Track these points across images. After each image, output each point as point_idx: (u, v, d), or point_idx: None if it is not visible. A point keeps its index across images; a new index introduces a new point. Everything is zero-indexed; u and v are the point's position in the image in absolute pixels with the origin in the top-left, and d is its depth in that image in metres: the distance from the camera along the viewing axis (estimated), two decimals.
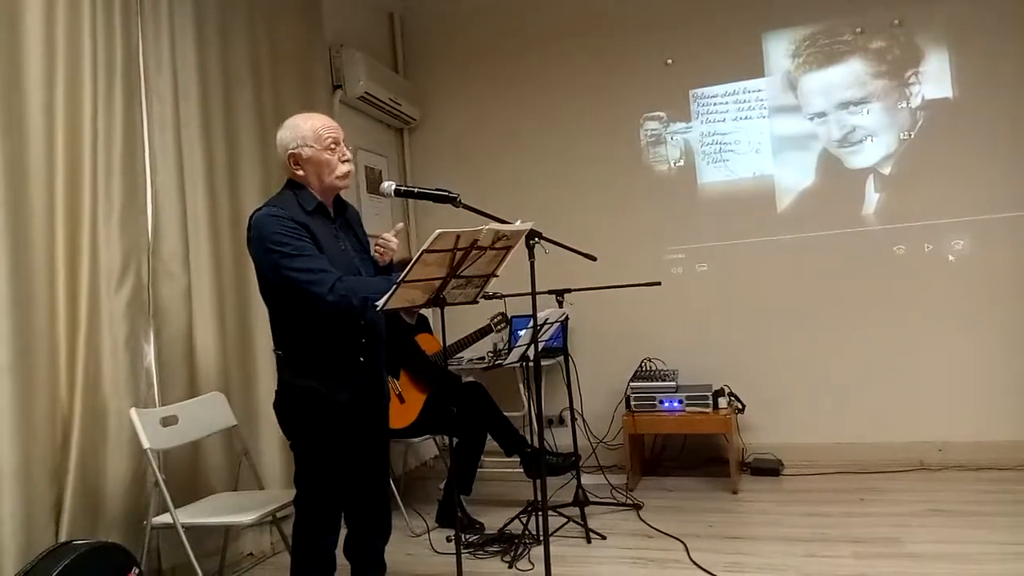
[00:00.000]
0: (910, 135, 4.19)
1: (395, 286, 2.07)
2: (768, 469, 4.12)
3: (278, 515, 2.67)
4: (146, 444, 2.53)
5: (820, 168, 4.36)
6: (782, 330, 4.37)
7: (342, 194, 2.48)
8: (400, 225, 2.58)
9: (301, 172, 2.33)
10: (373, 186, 4.58)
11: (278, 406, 2.37)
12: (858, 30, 4.26)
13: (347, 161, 2.36)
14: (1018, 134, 3.98)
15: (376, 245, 2.50)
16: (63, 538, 2.39)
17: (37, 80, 2.50)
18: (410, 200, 5.00)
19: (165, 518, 2.53)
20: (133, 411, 2.57)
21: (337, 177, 2.33)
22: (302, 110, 2.53)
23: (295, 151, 2.31)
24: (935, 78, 4.15)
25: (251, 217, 2.28)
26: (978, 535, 3.00)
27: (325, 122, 2.35)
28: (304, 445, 2.35)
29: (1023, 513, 3.21)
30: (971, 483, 3.71)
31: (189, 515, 2.60)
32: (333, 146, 2.32)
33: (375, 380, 2.42)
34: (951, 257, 4.12)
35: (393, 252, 2.50)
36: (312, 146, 2.30)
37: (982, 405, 4.02)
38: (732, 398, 4.11)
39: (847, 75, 4.30)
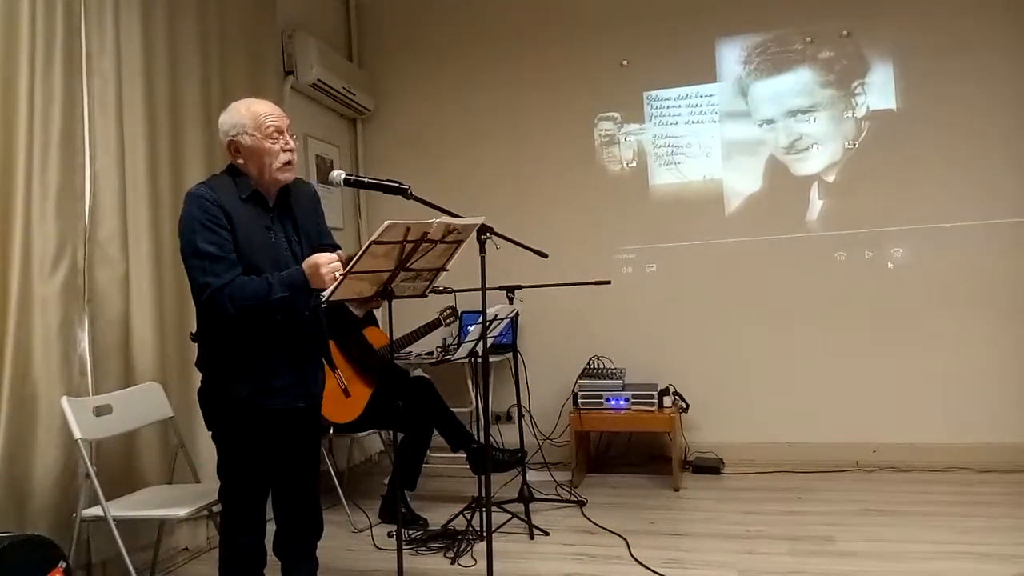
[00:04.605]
0: (855, 144, 4.30)
1: (341, 277, 2.04)
2: (709, 467, 4.20)
3: (214, 509, 2.60)
4: (77, 434, 2.45)
5: (767, 174, 4.44)
6: (726, 332, 4.45)
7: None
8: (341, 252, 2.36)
9: (241, 161, 2.23)
10: (324, 176, 4.50)
11: (199, 393, 2.30)
12: (808, 39, 4.35)
13: (289, 151, 2.24)
14: (957, 147, 4.12)
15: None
16: None
17: None
18: (361, 191, 4.94)
19: (96, 510, 2.45)
20: (64, 399, 2.49)
21: (277, 168, 2.21)
22: (251, 95, 2.45)
23: (235, 138, 2.21)
24: (880, 89, 4.26)
25: (187, 192, 2.20)
26: (910, 534, 3.10)
27: (268, 109, 2.24)
28: (217, 437, 2.29)
29: (953, 513, 3.32)
30: (904, 484, 3.83)
31: (121, 508, 2.53)
32: (276, 135, 2.21)
33: (293, 380, 2.28)
34: (890, 264, 4.24)
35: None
36: (252, 134, 2.19)
37: (916, 408, 4.15)
38: (677, 397, 4.18)
39: (796, 83, 4.39)
